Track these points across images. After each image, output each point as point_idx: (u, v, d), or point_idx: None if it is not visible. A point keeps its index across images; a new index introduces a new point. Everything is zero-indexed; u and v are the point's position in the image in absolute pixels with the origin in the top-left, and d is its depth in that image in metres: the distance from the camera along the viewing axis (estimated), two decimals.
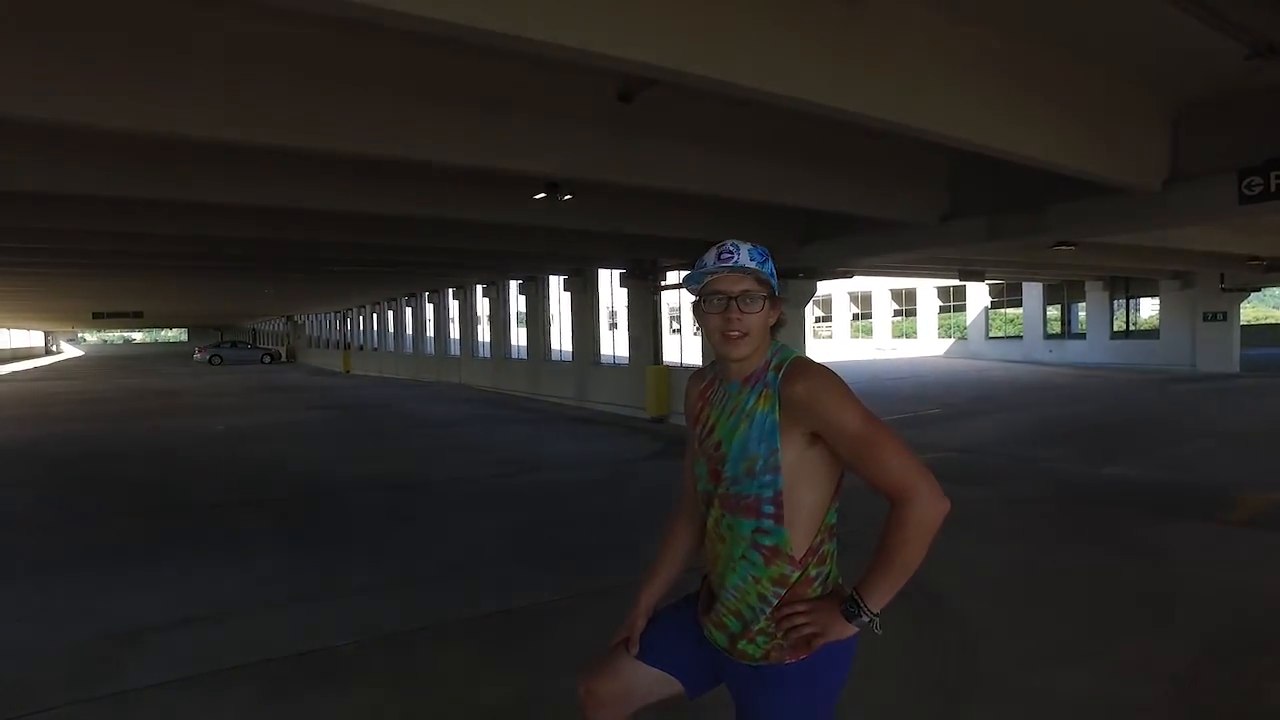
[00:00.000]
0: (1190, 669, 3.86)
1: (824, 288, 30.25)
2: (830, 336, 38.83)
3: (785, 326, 1.91)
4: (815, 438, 1.75)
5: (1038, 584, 5.21)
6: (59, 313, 41.84)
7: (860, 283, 34.64)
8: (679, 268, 14.65)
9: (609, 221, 9.79)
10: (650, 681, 2.05)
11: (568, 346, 19.00)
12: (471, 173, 6.99)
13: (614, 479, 9.29)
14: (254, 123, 4.92)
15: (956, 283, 29.02)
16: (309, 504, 8.15)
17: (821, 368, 1.79)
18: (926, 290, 33.44)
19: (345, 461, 10.96)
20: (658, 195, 8.71)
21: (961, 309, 32.39)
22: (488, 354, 23.62)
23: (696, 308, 1.87)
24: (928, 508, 1.68)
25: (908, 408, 15.02)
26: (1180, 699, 3.59)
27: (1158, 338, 25.29)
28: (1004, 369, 25.07)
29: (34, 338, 71.49)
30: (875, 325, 36.67)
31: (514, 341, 22.42)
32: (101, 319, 41.67)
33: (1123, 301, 27.07)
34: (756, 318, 1.80)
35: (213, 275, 20.84)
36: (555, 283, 19.41)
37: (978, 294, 30.81)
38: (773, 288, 1.84)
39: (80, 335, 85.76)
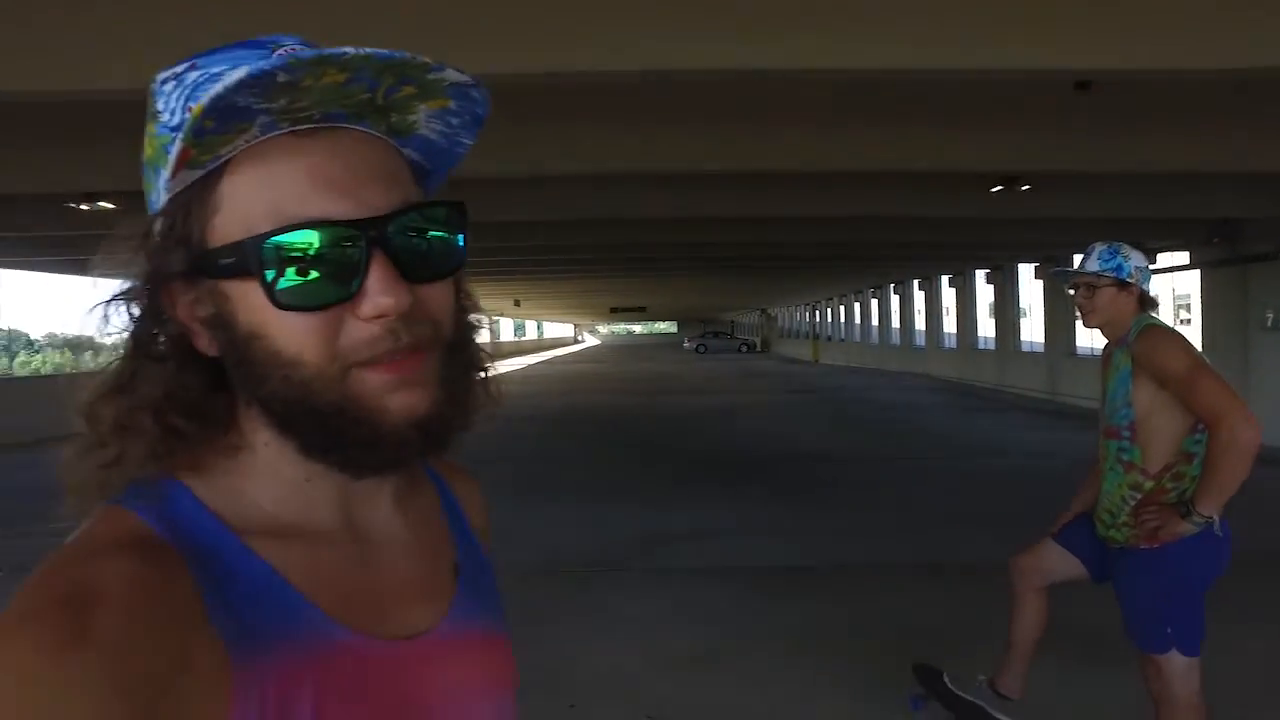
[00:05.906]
0: None
1: None
2: None
3: (1154, 305, 2.49)
4: (1164, 382, 2.30)
5: None
6: (584, 308, 51.54)
7: None
8: (1163, 249, 13.21)
9: (1073, 208, 9.54)
10: (1060, 559, 2.76)
11: (1037, 337, 18.12)
12: (926, 174, 7.60)
13: (1079, 470, 9.06)
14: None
15: None
16: (782, 466, 9.55)
17: (1164, 329, 2.35)
18: None
19: (815, 436, 12.33)
20: (1120, 178, 8.31)
21: None
22: (953, 344, 23.43)
23: None
24: (1237, 429, 2.12)
25: None
26: None
27: None
28: None
29: (565, 329, 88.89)
30: None
31: (980, 332, 21.94)
32: (616, 313, 50.24)
33: None
34: (1099, 301, 2.43)
35: (701, 273, 24.19)
36: (1025, 271, 18.65)
37: None
38: (1119, 278, 2.41)
39: (597, 327, 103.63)
